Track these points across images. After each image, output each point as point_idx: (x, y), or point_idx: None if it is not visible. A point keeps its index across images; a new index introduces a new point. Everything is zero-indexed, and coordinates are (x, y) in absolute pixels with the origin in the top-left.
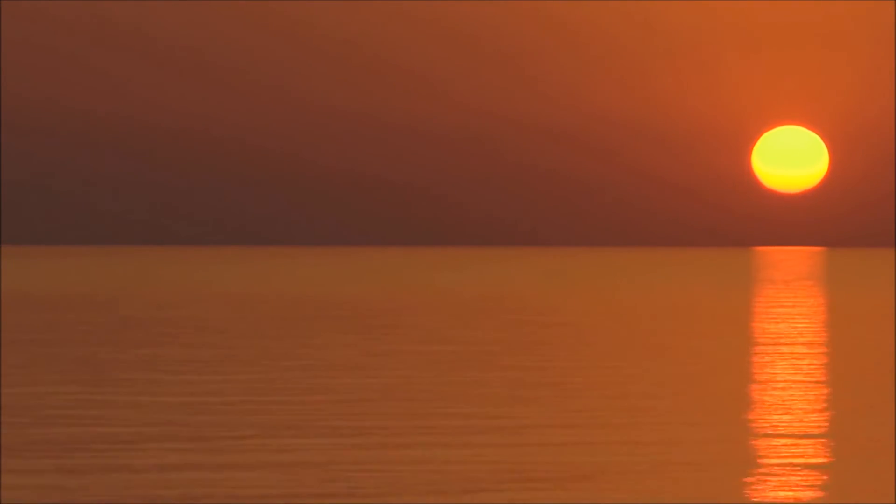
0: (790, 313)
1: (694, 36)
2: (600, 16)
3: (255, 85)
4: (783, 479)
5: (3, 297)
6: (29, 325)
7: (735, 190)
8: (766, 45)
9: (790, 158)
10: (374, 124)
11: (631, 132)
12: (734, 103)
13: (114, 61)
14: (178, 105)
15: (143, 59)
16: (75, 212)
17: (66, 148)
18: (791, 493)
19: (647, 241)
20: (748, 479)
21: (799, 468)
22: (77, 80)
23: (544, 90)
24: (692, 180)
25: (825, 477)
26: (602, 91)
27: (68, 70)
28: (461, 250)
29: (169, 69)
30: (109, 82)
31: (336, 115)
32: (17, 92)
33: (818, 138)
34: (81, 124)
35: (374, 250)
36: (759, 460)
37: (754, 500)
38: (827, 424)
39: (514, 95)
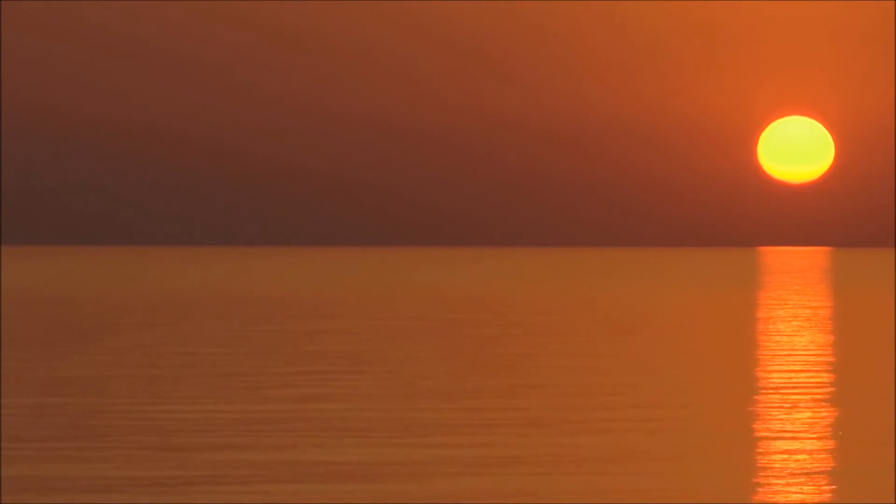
0: (794, 313)
1: (685, 35)
2: (601, 17)
3: (237, 85)
4: (785, 478)
5: None
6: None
7: (737, 188)
8: (762, 41)
9: (796, 149)
10: (358, 124)
11: (623, 133)
12: (729, 101)
13: (99, 63)
14: (159, 105)
15: (129, 61)
16: (50, 212)
17: (42, 149)
18: (793, 493)
19: (646, 242)
20: (750, 479)
21: (801, 467)
22: (60, 82)
23: (535, 92)
24: (692, 180)
25: (827, 477)
26: (595, 93)
27: (49, 72)
28: (460, 251)
29: (157, 71)
30: (95, 83)
31: (320, 115)
32: None
33: (824, 129)
34: (58, 125)
35: (354, 251)
36: (762, 460)
37: (756, 500)
38: (829, 425)
39: (502, 97)
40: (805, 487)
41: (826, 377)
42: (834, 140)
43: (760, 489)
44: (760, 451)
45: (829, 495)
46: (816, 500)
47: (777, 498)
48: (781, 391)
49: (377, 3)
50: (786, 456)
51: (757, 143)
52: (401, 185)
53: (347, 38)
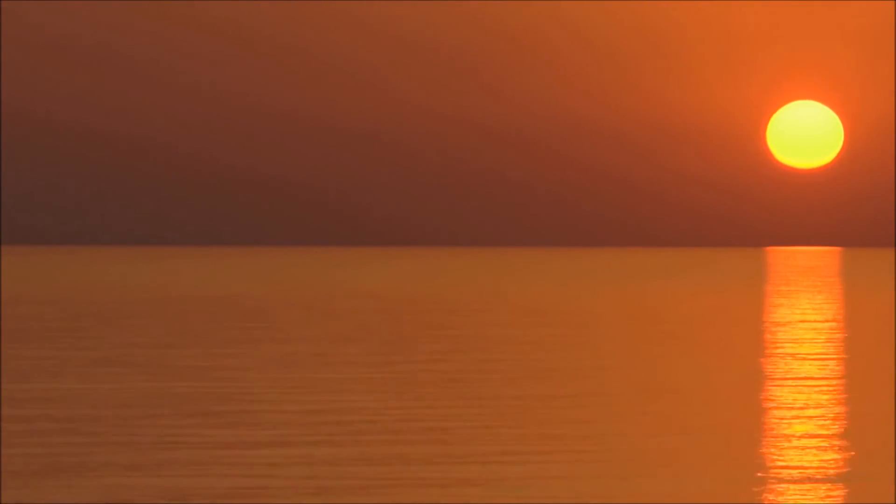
0: (801, 317)
1: (676, 34)
2: (599, 18)
3: (185, 86)
4: (786, 480)
5: None
6: None
7: (746, 185)
8: (761, 38)
9: (806, 135)
10: (332, 129)
11: (624, 135)
12: (729, 100)
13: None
14: (90, 102)
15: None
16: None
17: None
18: (795, 494)
19: (657, 242)
20: (751, 480)
21: (803, 468)
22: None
23: (510, 95)
24: (694, 180)
25: (829, 477)
26: (592, 94)
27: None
28: (460, 251)
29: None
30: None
31: (274, 117)
32: None
33: (833, 114)
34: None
35: (336, 251)
36: (764, 461)
37: (757, 501)
38: (833, 428)
39: (479, 101)
40: (806, 488)
41: (831, 377)
42: (843, 125)
43: (762, 490)
44: (762, 451)
45: (831, 496)
46: (818, 500)
47: (779, 499)
48: (783, 391)
49: (335, 3)
50: (787, 456)
51: (765, 133)
52: (376, 188)
53: (300, 38)
